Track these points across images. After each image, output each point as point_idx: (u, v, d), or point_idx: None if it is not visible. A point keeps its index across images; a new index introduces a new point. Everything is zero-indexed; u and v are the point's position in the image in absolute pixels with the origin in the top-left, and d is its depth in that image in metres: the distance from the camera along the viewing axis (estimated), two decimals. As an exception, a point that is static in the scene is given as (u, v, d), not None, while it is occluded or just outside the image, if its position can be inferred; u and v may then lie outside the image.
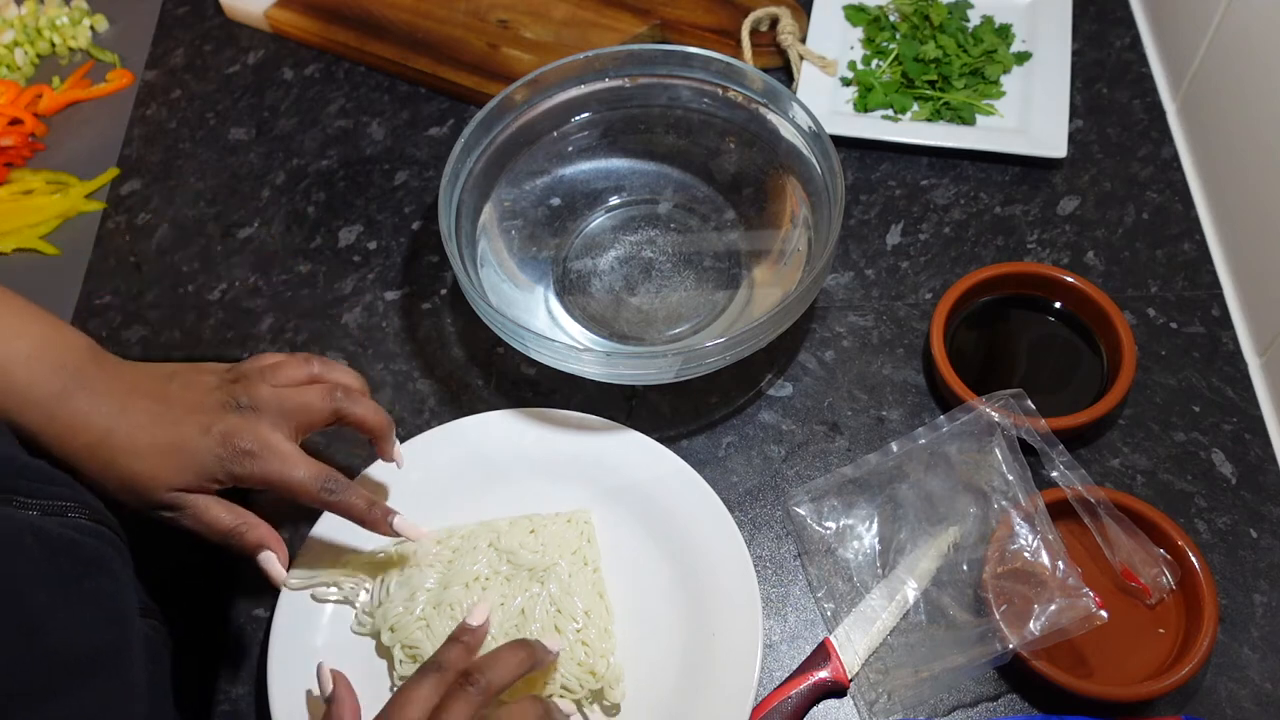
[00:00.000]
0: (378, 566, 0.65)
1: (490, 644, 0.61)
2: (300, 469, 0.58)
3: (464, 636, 0.58)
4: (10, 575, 0.46)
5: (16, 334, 0.57)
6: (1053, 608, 0.59)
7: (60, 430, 0.56)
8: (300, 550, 0.65)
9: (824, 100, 0.86)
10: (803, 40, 0.90)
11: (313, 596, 0.65)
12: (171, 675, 0.63)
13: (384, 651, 0.63)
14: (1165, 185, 0.82)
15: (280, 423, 0.59)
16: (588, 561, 0.65)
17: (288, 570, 0.64)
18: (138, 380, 0.58)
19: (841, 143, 0.84)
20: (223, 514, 0.58)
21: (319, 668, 0.58)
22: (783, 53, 0.90)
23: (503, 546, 0.64)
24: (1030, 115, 0.84)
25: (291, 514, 0.70)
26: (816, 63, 0.88)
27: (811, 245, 0.73)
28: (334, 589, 0.65)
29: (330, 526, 0.66)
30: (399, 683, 0.62)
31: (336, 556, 0.65)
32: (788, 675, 0.63)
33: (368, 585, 0.65)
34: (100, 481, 0.57)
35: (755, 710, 0.61)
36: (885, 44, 0.90)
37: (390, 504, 0.67)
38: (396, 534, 0.61)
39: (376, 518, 0.60)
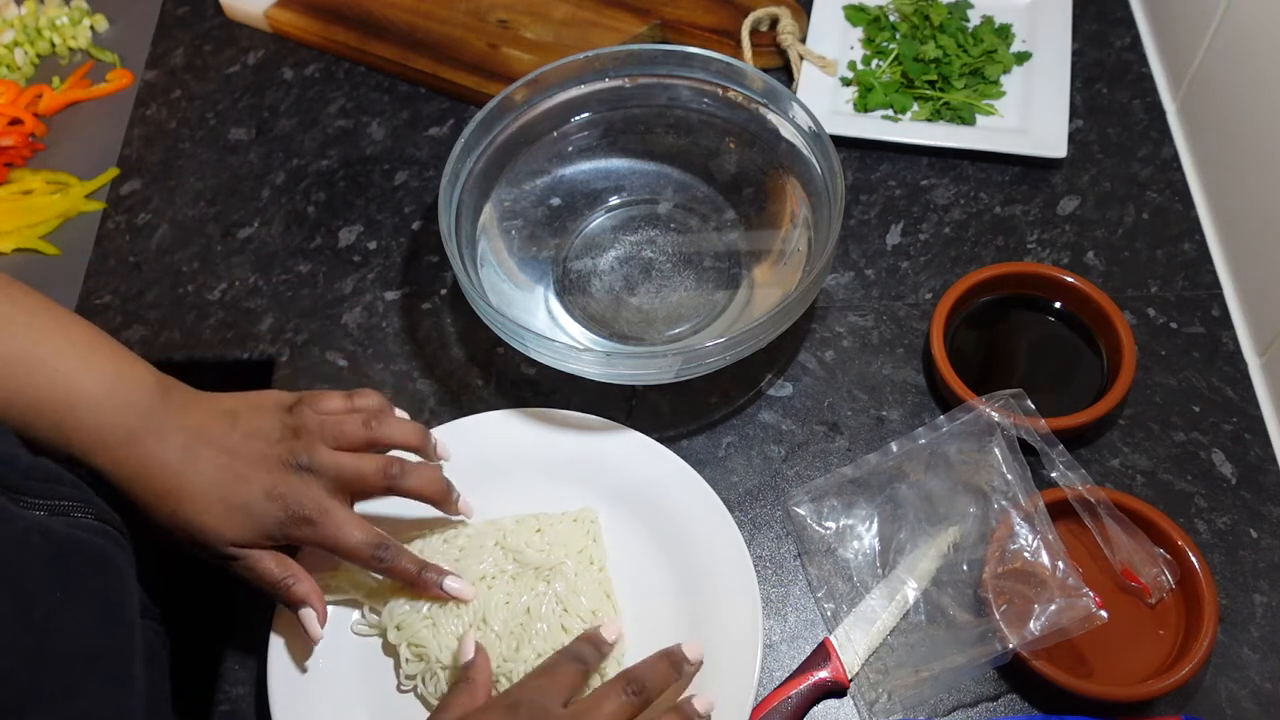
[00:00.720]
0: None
1: (495, 642, 0.61)
2: (355, 535, 0.60)
3: (467, 672, 0.59)
4: (19, 575, 0.47)
5: (85, 372, 0.57)
6: (1053, 608, 0.59)
7: (129, 474, 0.57)
8: (299, 555, 0.65)
9: (824, 100, 0.86)
10: (803, 40, 0.90)
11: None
12: (170, 676, 0.63)
13: (390, 650, 0.63)
14: (1165, 185, 0.82)
15: (336, 490, 0.60)
16: (594, 560, 0.65)
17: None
18: (204, 424, 0.60)
19: (841, 143, 0.84)
20: (273, 567, 0.60)
21: (464, 639, 0.60)
22: (783, 53, 0.90)
23: (509, 545, 0.64)
24: (1030, 115, 0.84)
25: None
26: (816, 63, 0.88)
27: (811, 245, 0.73)
28: (357, 612, 0.65)
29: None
30: (405, 681, 0.62)
31: (338, 563, 0.65)
32: (788, 675, 0.63)
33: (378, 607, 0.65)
34: (167, 527, 0.58)
35: (755, 710, 0.61)
36: (885, 44, 0.90)
37: (388, 502, 0.67)
38: (449, 598, 0.62)
39: (429, 580, 0.61)
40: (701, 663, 0.59)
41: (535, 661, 0.60)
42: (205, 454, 0.59)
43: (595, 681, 0.60)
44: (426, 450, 0.65)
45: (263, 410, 0.62)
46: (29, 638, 0.46)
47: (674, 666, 0.57)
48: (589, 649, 0.58)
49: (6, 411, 0.55)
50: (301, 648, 0.63)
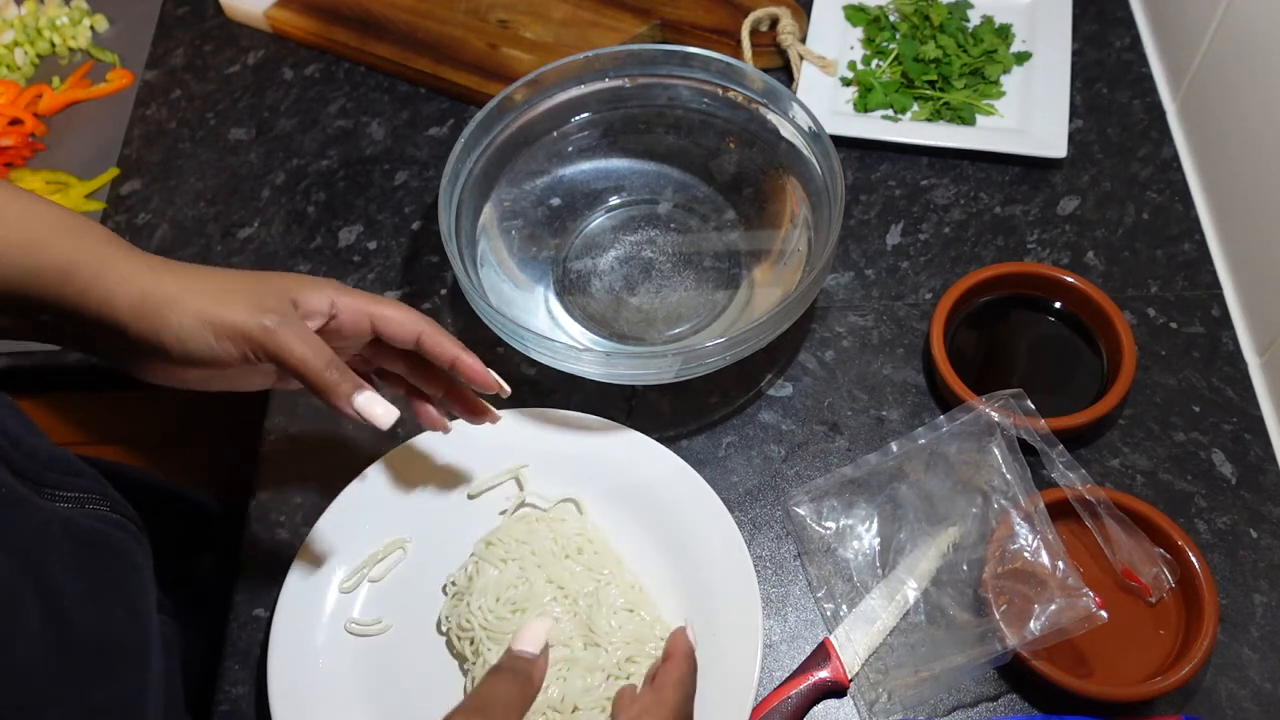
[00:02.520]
0: None
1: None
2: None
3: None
4: (43, 564, 0.47)
5: (39, 217, 0.53)
6: (1053, 608, 0.59)
7: (133, 293, 0.52)
8: (300, 552, 0.65)
9: (824, 100, 0.86)
10: (803, 40, 0.90)
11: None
12: (180, 673, 0.63)
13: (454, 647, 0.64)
14: (1165, 185, 0.82)
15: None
16: (581, 550, 0.65)
17: (288, 572, 0.65)
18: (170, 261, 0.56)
19: (841, 143, 0.84)
20: (313, 352, 0.53)
21: (534, 627, 0.55)
22: (783, 53, 0.90)
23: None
24: (1030, 115, 0.84)
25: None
26: (816, 63, 0.88)
27: (811, 245, 0.73)
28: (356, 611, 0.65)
29: (331, 524, 0.66)
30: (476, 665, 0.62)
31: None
32: (788, 675, 0.63)
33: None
34: (184, 335, 0.52)
35: (755, 710, 0.61)
36: (885, 44, 0.90)
37: (389, 502, 0.67)
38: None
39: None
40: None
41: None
42: (193, 269, 0.55)
43: (596, 695, 0.60)
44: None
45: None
46: (55, 627, 0.46)
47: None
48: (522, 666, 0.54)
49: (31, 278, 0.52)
50: (302, 647, 0.63)
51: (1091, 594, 0.59)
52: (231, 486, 0.82)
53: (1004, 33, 0.89)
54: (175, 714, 0.60)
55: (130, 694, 0.50)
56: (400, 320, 0.58)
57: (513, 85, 0.75)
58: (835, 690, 0.63)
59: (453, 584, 0.65)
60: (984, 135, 0.84)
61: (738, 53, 0.89)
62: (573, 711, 0.59)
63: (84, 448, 0.94)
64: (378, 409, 0.54)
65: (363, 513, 0.67)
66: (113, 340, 0.53)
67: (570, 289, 0.78)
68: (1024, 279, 0.75)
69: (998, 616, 0.60)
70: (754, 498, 0.70)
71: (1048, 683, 0.60)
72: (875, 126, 0.84)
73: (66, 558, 0.48)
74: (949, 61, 0.87)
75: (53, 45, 0.98)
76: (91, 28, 0.99)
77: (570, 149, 0.81)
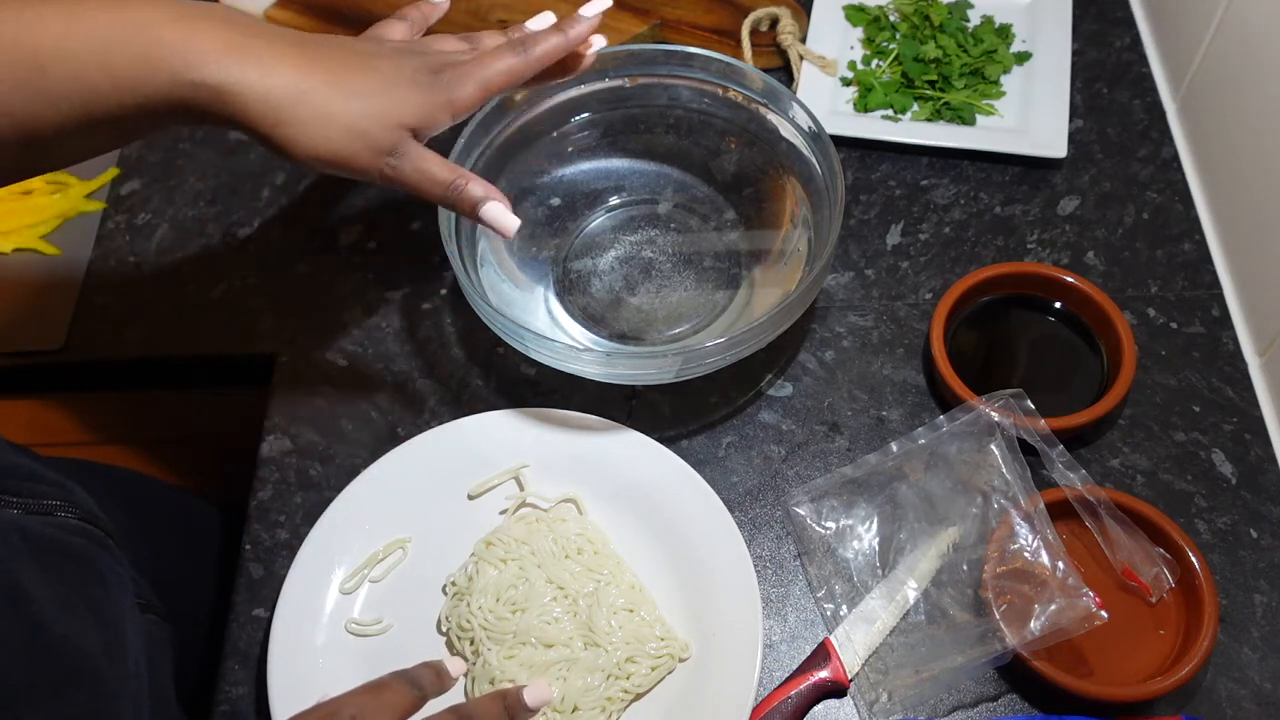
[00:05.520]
0: None
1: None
2: (493, 60, 0.58)
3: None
4: (10, 571, 0.47)
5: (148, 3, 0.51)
6: (1053, 608, 0.59)
7: (239, 77, 0.51)
8: (302, 549, 0.65)
9: (824, 100, 0.86)
10: (803, 40, 0.90)
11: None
12: (174, 673, 0.63)
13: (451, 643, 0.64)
14: (1165, 185, 0.82)
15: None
16: (581, 551, 0.65)
17: (288, 572, 0.65)
18: (301, 40, 0.55)
19: (841, 143, 0.84)
20: (440, 167, 0.57)
21: (543, 690, 0.56)
22: (783, 53, 0.90)
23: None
24: (1030, 115, 0.84)
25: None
26: (816, 63, 0.88)
27: (811, 245, 0.73)
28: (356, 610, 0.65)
29: (331, 524, 0.66)
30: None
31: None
32: (788, 675, 0.63)
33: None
34: (315, 131, 0.53)
35: (755, 710, 0.61)
36: (885, 44, 0.90)
37: (389, 502, 0.67)
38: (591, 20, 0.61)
39: (572, 34, 0.61)
40: (541, 708, 0.56)
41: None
42: (324, 49, 0.55)
43: (596, 695, 0.60)
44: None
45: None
46: (22, 632, 0.46)
47: (507, 709, 0.54)
48: (429, 676, 0.53)
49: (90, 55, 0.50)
50: (302, 647, 0.63)
51: (1091, 594, 0.59)
52: (231, 486, 0.82)
53: (1004, 33, 0.89)
54: (165, 714, 0.60)
55: (102, 699, 0.50)
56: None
57: (513, 85, 0.75)
58: (835, 690, 0.63)
59: (453, 584, 0.65)
60: (984, 135, 0.84)
61: (738, 53, 0.89)
62: (573, 711, 0.59)
63: (84, 448, 0.95)
64: (504, 219, 0.58)
65: (363, 513, 0.67)
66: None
67: (570, 289, 0.78)
68: (1024, 279, 0.75)
69: (998, 616, 0.60)
70: (754, 498, 0.70)
71: (1048, 683, 0.60)
72: (875, 126, 0.84)
73: (28, 564, 0.48)
74: (949, 61, 0.87)
75: (53, 45, 0.98)
76: (91, 28, 0.99)
77: (570, 149, 0.81)
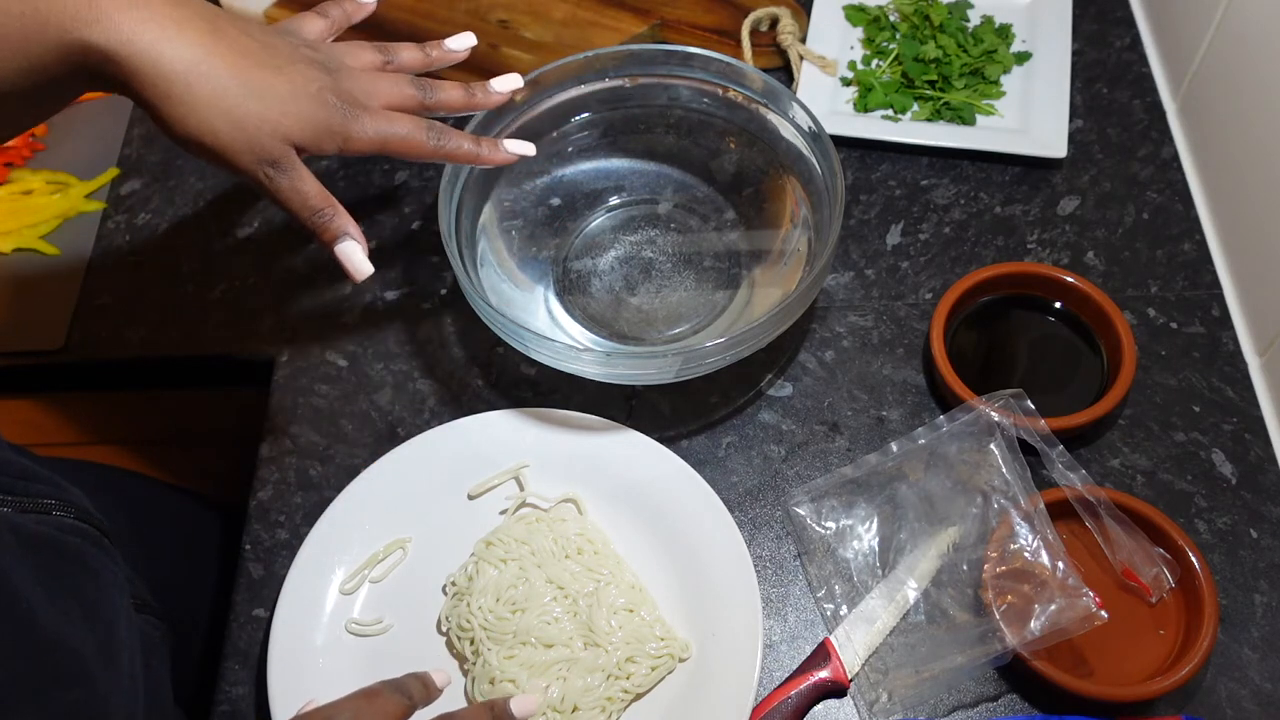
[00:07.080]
0: None
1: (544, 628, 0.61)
2: (402, 123, 0.58)
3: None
4: (2, 568, 0.46)
5: None
6: (1053, 608, 0.59)
7: (141, 48, 0.49)
8: (303, 548, 0.65)
9: (824, 100, 0.86)
10: (803, 40, 0.90)
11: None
12: (172, 673, 0.62)
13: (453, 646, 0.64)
14: (1165, 185, 0.82)
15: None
16: (581, 551, 0.65)
17: (288, 572, 0.65)
18: (213, 15, 0.53)
19: (841, 143, 0.84)
20: (315, 191, 0.57)
21: (530, 701, 0.57)
22: (783, 53, 0.90)
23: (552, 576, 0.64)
24: (1030, 115, 0.84)
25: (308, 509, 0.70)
26: (816, 63, 0.88)
27: (811, 245, 0.73)
28: (355, 610, 0.65)
29: (331, 524, 0.66)
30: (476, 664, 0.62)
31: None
32: (788, 675, 0.63)
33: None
34: (204, 116, 0.51)
35: (755, 710, 0.61)
36: (885, 44, 0.90)
37: (389, 502, 0.67)
38: (511, 156, 0.63)
39: (486, 153, 0.62)
40: (528, 718, 0.57)
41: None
42: (230, 35, 0.52)
43: (596, 695, 0.60)
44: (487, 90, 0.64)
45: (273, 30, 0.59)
46: (12, 629, 0.45)
47: (495, 719, 0.55)
48: (417, 686, 0.54)
49: None
50: (302, 647, 0.63)
51: (1091, 594, 0.59)
52: (231, 486, 0.82)
53: (1004, 33, 0.89)
54: (161, 714, 0.60)
55: (94, 699, 0.50)
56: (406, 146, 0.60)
57: (513, 85, 0.75)
58: (835, 690, 0.63)
59: (453, 584, 0.65)
60: (984, 135, 0.84)
61: (738, 53, 0.89)
62: (573, 711, 0.59)
63: (83, 448, 0.95)
64: (358, 260, 0.59)
65: (363, 513, 0.67)
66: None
67: (570, 289, 0.78)
68: (1024, 279, 0.75)
69: (998, 616, 0.60)
70: (754, 498, 0.70)
71: (1048, 683, 0.60)
72: (875, 126, 0.84)
73: (18, 562, 0.48)
74: (949, 61, 0.87)
75: (53, 45, 0.98)
76: (91, 28, 0.99)
77: (570, 149, 0.81)
